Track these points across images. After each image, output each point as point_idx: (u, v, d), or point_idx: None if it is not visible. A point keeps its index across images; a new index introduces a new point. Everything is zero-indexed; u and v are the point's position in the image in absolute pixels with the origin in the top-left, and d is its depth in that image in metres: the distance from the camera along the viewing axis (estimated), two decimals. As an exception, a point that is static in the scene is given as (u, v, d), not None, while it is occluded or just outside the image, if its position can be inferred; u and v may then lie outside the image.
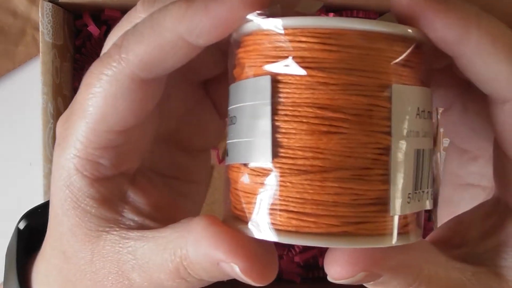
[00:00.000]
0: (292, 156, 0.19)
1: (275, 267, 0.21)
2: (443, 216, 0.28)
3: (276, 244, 0.20)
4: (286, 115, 0.19)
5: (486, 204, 0.24)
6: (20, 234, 0.30)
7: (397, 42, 0.19)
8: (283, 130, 0.19)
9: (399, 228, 0.19)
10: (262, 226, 0.19)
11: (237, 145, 0.20)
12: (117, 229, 0.23)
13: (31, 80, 0.53)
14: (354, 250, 0.19)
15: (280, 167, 0.19)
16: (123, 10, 0.47)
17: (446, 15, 0.19)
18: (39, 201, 0.44)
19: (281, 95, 0.19)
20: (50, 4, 0.44)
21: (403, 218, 0.19)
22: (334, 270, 0.20)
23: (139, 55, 0.21)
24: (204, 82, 0.28)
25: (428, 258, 0.21)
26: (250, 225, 0.20)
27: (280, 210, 0.19)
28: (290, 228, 0.19)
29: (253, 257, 0.20)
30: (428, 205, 0.20)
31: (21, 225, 0.31)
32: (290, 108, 0.19)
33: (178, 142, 0.27)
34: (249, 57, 0.20)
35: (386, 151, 0.19)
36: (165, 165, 0.27)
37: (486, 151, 0.26)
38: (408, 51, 0.19)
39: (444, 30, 0.19)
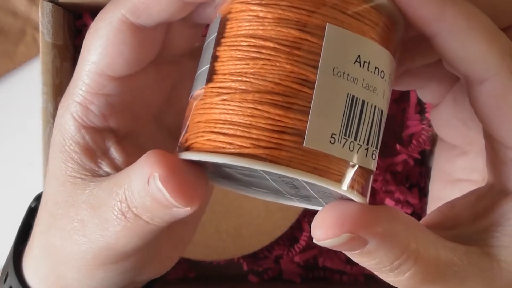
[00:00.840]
0: (221, 80, 0.20)
1: (200, 190, 0.21)
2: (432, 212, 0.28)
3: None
4: (225, 45, 0.20)
5: (479, 189, 0.24)
6: (31, 212, 0.32)
7: None
8: (219, 59, 0.20)
9: (321, 168, 0.20)
10: (184, 147, 0.21)
11: (193, 84, 0.22)
12: (91, 178, 0.24)
13: (31, 80, 0.53)
14: (340, 213, 0.20)
15: (208, 91, 0.20)
16: (123, 10, 0.47)
17: None
18: (39, 201, 0.44)
19: (226, 29, 0.20)
20: (50, 4, 0.44)
21: (329, 160, 0.20)
22: (319, 231, 0.20)
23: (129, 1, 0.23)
24: None
25: (416, 234, 0.21)
26: (177, 148, 0.21)
27: (203, 132, 0.20)
28: (207, 148, 0.20)
29: (174, 169, 0.20)
30: (367, 164, 0.20)
31: (33, 204, 0.33)
32: (230, 40, 0.20)
33: (167, 126, 0.28)
34: None
35: (311, 84, 0.19)
36: (152, 145, 0.27)
37: (477, 144, 0.25)
38: (361, 7, 0.20)
39: (420, 8, 0.19)
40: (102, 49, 0.23)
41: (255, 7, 0.20)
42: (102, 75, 0.24)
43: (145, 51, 0.24)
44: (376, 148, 0.21)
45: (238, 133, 0.19)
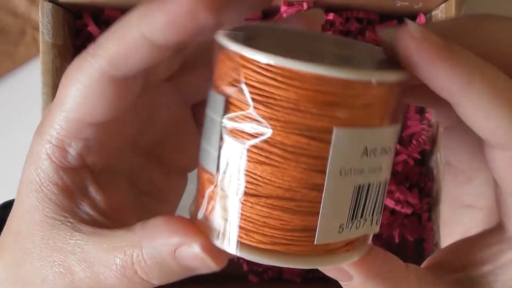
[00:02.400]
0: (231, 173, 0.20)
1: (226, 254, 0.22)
2: (445, 235, 0.28)
3: None
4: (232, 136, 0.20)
5: (490, 232, 0.24)
6: None
7: (353, 86, 0.19)
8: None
9: (341, 247, 0.21)
10: (202, 224, 0.22)
11: (201, 148, 0.22)
12: (71, 220, 0.24)
13: (31, 80, 0.53)
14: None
15: (219, 183, 0.21)
16: (123, 10, 0.47)
17: (451, 65, 0.19)
18: (39, 201, 0.44)
19: (231, 116, 0.20)
20: (50, 4, 0.44)
21: (337, 243, 0.21)
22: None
23: (107, 50, 0.22)
24: (193, 105, 0.28)
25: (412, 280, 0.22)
26: (194, 214, 0.22)
27: (219, 217, 0.21)
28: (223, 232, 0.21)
29: (209, 238, 0.21)
30: (372, 229, 0.21)
31: None
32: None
33: (158, 158, 0.28)
34: (219, 70, 0.21)
35: (319, 187, 0.19)
36: (140, 177, 0.28)
37: (481, 172, 0.26)
38: (368, 95, 0.19)
39: (447, 80, 0.19)
40: (80, 98, 0.23)
41: (259, 106, 0.19)
42: (81, 122, 0.23)
43: (125, 99, 0.24)
44: (380, 213, 0.21)
45: (251, 228, 0.20)
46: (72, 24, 0.48)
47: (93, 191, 0.25)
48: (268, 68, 0.19)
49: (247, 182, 0.20)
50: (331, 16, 0.46)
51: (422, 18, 0.48)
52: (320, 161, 0.19)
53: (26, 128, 0.54)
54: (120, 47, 0.22)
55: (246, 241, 0.20)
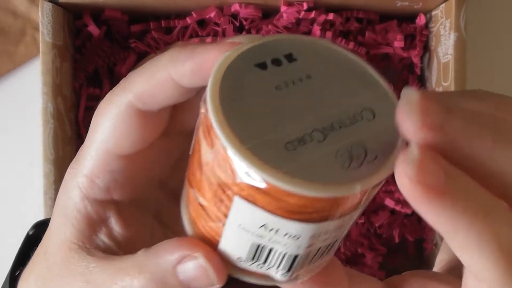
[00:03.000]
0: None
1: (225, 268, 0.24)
2: (437, 262, 0.28)
3: None
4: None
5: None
6: (28, 240, 0.34)
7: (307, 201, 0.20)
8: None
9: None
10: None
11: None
12: (88, 245, 0.26)
13: (31, 80, 0.53)
14: None
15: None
16: (123, 10, 0.47)
17: (437, 213, 0.19)
18: (39, 201, 0.44)
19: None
20: (50, 4, 0.44)
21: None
22: None
23: (136, 86, 0.24)
24: None
25: None
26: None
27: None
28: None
29: (212, 250, 0.23)
30: (279, 278, 0.23)
31: (31, 232, 0.35)
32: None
33: (171, 190, 0.29)
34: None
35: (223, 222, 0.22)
36: (166, 213, 0.29)
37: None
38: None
39: (434, 223, 0.19)
40: (110, 130, 0.25)
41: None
42: (109, 153, 0.26)
43: (151, 132, 0.26)
44: (291, 271, 0.22)
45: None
46: (72, 24, 0.48)
47: (113, 222, 0.27)
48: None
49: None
50: (331, 16, 0.46)
51: (422, 18, 0.48)
52: (225, 210, 0.21)
53: (26, 128, 0.54)
54: (149, 85, 0.24)
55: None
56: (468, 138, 0.19)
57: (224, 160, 0.20)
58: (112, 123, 0.25)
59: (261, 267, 0.22)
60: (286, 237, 0.21)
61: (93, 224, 0.26)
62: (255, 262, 0.22)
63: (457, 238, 0.19)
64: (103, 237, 0.26)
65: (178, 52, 0.24)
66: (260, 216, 0.20)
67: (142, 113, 0.25)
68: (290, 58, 0.22)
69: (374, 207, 0.50)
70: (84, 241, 0.26)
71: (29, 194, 0.53)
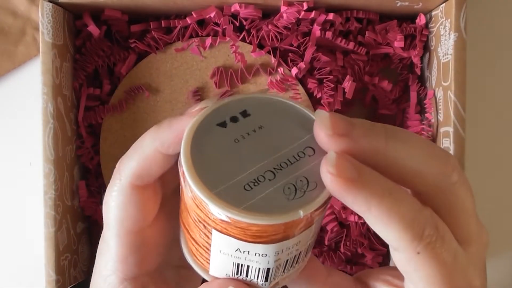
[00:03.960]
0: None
1: None
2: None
3: None
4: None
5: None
6: None
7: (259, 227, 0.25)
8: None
9: None
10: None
11: None
12: None
13: (31, 80, 0.53)
14: None
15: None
16: (123, 10, 0.47)
17: (354, 196, 0.24)
18: (39, 201, 0.44)
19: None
20: (50, 4, 0.44)
21: None
22: None
23: (131, 169, 0.29)
24: None
25: None
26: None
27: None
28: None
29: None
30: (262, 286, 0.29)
31: None
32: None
33: None
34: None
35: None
36: (177, 258, 0.33)
37: None
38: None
39: (353, 206, 0.25)
40: (122, 213, 0.30)
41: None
42: (129, 232, 0.30)
43: (155, 200, 0.30)
44: (269, 281, 0.28)
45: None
46: (72, 24, 0.48)
47: None
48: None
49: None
50: (331, 16, 0.46)
51: (422, 18, 0.48)
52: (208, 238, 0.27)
53: (26, 128, 0.54)
54: (140, 164, 0.29)
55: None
56: (367, 140, 0.25)
57: (199, 203, 0.26)
58: (122, 207, 0.29)
59: (244, 279, 0.28)
60: (257, 256, 0.26)
61: None
62: (240, 276, 0.28)
63: (371, 215, 0.25)
64: None
65: (157, 129, 0.28)
66: (233, 243, 0.26)
67: (142, 188, 0.29)
68: (245, 114, 0.28)
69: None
70: None
71: (29, 194, 0.53)
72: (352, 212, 0.48)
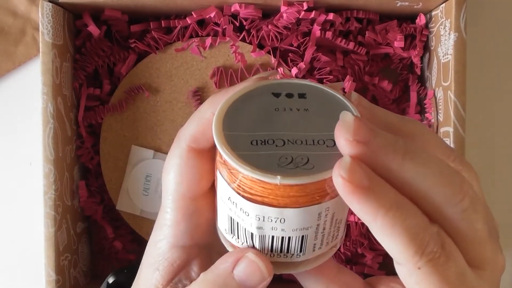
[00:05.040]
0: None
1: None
2: None
3: None
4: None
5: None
6: (108, 287, 0.42)
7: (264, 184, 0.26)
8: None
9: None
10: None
11: None
12: (168, 287, 0.31)
13: (31, 80, 0.53)
14: None
15: None
16: (123, 10, 0.47)
17: (360, 205, 0.25)
18: (39, 201, 0.44)
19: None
20: (50, 4, 0.44)
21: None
22: None
23: (189, 132, 0.30)
24: None
25: None
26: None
27: None
28: None
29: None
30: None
31: (110, 280, 0.42)
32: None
33: None
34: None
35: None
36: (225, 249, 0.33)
37: None
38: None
39: (359, 212, 0.25)
40: (179, 177, 0.31)
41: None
42: (184, 198, 0.31)
43: (210, 168, 0.31)
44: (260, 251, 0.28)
45: None
46: (72, 24, 0.48)
47: (194, 265, 0.32)
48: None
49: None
50: (331, 16, 0.46)
51: (422, 18, 0.48)
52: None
53: (26, 128, 0.54)
54: (198, 126, 0.30)
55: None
56: (385, 153, 0.25)
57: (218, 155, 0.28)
58: (179, 171, 0.30)
59: (240, 243, 0.29)
60: (241, 212, 0.27)
61: (176, 270, 0.31)
62: (234, 236, 0.29)
63: (376, 225, 0.25)
64: (183, 279, 0.31)
65: (215, 95, 0.30)
66: (226, 189, 0.27)
67: (199, 152, 0.30)
68: (302, 96, 0.29)
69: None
70: (164, 284, 0.31)
71: (29, 194, 0.53)
72: (352, 213, 0.48)
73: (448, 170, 0.26)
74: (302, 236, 0.28)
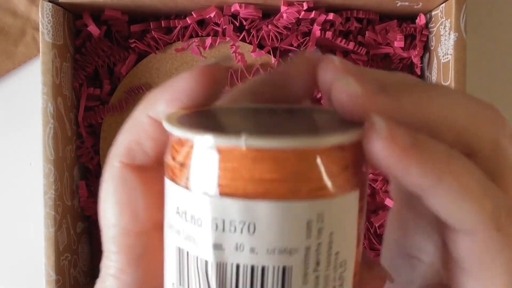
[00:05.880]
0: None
1: None
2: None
3: None
4: None
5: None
6: None
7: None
8: None
9: None
10: None
11: None
12: None
13: (31, 80, 0.53)
14: None
15: None
16: (123, 10, 0.47)
17: (420, 164, 0.19)
18: (39, 201, 0.44)
19: None
20: (50, 4, 0.44)
21: None
22: None
23: (121, 144, 0.22)
24: None
25: None
26: None
27: None
28: None
29: None
30: None
31: None
32: None
33: None
34: None
35: None
36: None
37: (425, 226, 0.25)
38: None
39: (417, 179, 0.19)
40: (116, 206, 0.22)
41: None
42: (128, 233, 0.23)
43: (158, 191, 0.22)
44: None
45: None
46: (72, 24, 0.48)
47: None
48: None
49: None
50: (331, 16, 0.46)
51: (422, 18, 0.48)
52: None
53: (26, 128, 0.54)
54: (132, 135, 0.22)
55: None
56: (410, 99, 0.20)
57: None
58: (115, 199, 0.22)
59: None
60: (192, 225, 0.18)
61: None
62: (182, 286, 0.20)
63: (440, 189, 0.19)
64: None
65: (149, 94, 0.23)
66: (173, 197, 0.20)
67: (138, 170, 0.22)
68: (288, 111, 0.21)
69: (374, 207, 0.50)
70: None
71: (29, 194, 0.53)
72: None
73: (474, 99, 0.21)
74: (284, 269, 0.17)
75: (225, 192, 0.17)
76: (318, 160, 0.17)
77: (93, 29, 0.47)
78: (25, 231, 0.54)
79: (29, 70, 0.53)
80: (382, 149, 0.18)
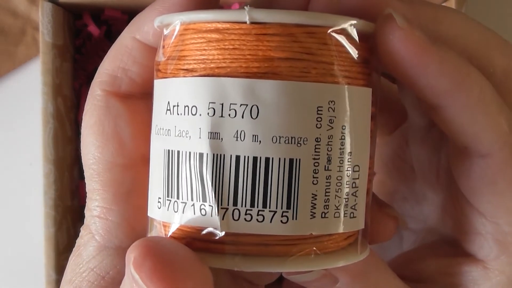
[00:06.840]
0: None
1: (189, 269, 0.16)
2: None
3: None
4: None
5: (439, 244, 0.23)
6: None
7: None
8: None
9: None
10: None
11: None
12: None
13: (31, 80, 0.53)
14: None
15: None
16: (123, 10, 0.47)
17: (443, 61, 0.17)
18: (39, 201, 0.44)
19: None
20: (50, 4, 0.44)
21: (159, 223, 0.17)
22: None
23: (105, 71, 0.20)
24: None
25: (384, 278, 0.20)
26: None
27: None
28: None
29: (153, 248, 0.15)
30: (200, 222, 0.15)
31: None
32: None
33: None
34: None
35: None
36: None
37: (413, 193, 0.24)
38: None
39: (437, 78, 0.17)
40: (99, 138, 0.20)
41: None
42: (112, 168, 0.20)
43: (145, 120, 0.20)
44: (216, 202, 0.15)
45: None
46: (72, 24, 0.48)
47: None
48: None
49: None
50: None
51: (422, 18, 0.48)
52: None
53: (26, 128, 0.54)
54: (115, 61, 0.20)
55: None
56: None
57: None
58: (98, 130, 0.20)
59: (177, 208, 0.16)
60: (185, 115, 0.16)
61: (110, 285, 0.20)
62: (171, 197, 0.17)
63: (458, 96, 0.17)
64: None
65: (136, 16, 0.21)
66: (162, 90, 0.17)
67: (122, 98, 0.20)
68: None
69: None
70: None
71: (29, 194, 0.53)
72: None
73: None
74: (291, 162, 0.15)
75: (224, 73, 0.15)
76: (330, 41, 0.15)
77: (93, 29, 0.47)
78: (25, 231, 0.54)
79: (29, 70, 0.53)
80: (400, 40, 0.16)
